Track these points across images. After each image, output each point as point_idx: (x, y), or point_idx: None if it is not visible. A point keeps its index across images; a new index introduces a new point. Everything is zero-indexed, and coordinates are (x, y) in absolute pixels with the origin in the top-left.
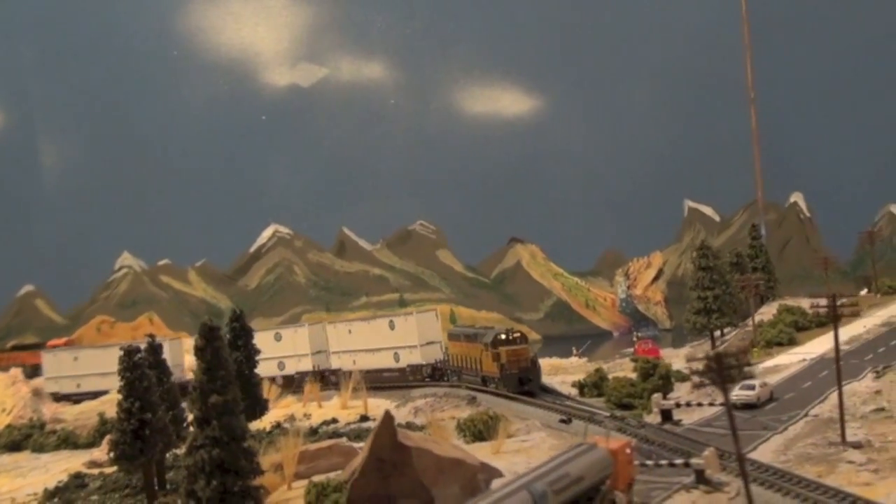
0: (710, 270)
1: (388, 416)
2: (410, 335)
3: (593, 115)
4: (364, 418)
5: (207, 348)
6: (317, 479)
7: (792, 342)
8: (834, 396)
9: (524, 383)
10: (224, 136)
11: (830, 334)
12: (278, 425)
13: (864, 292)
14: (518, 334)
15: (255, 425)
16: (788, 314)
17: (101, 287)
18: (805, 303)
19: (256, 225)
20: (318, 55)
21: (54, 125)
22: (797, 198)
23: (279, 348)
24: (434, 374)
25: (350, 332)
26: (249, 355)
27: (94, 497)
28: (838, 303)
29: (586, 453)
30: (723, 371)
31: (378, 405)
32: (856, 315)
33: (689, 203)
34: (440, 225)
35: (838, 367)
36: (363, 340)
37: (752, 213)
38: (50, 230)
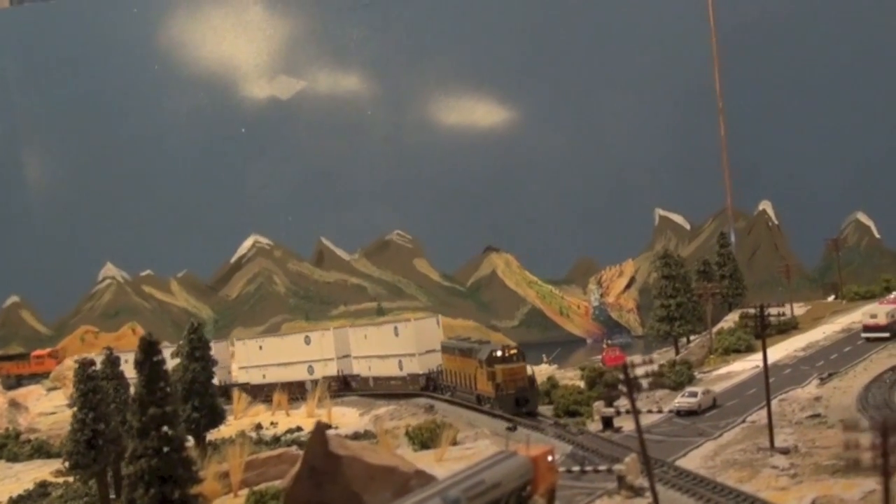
0: (673, 279)
1: (319, 427)
2: (409, 343)
3: (566, 126)
4: (326, 426)
5: (146, 362)
6: (257, 487)
7: (749, 349)
8: (774, 403)
9: (521, 404)
10: (205, 148)
11: (789, 341)
12: (243, 434)
13: (831, 298)
14: (515, 351)
15: (220, 433)
16: (750, 321)
17: (85, 298)
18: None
19: (237, 235)
20: (297, 68)
21: (38, 138)
22: (766, 206)
23: (309, 352)
24: (428, 386)
25: (366, 337)
26: (206, 367)
27: None
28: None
29: (505, 461)
30: (630, 380)
31: (343, 413)
32: (788, 326)
33: (660, 211)
34: (417, 234)
35: (766, 375)
36: (375, 346)
37: (722, 221)
38: (35, 242)
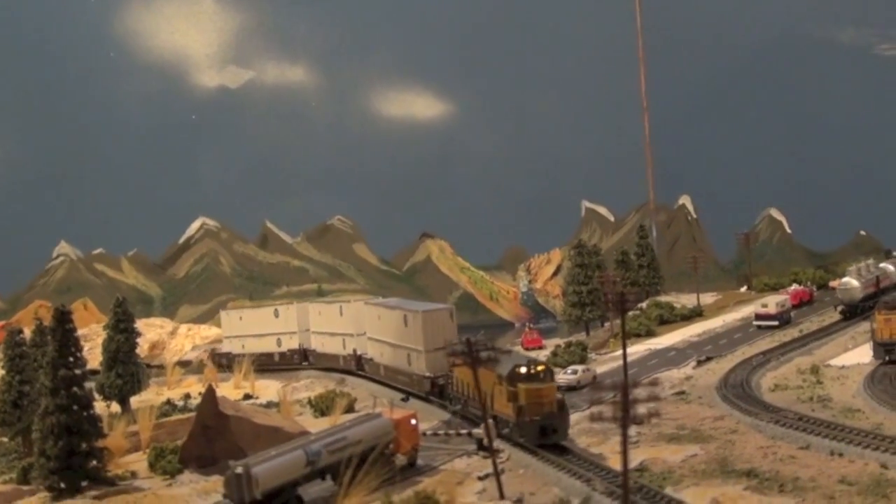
0: (585, 267)
1: (210, 390)
2: (416, 337)
3: (499, 120)
4: (247, 396)
5: (59, 329)
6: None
7: (650, 334)
8: (647, 381)
9: (547, 434)
10: (157, 134)
11: (689, 328)
12: (169, 401)
13: (744, 289)
14: (542, 367)
15: (151, 401)
16: (656, 308)
17: (39, 274)
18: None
19: (186, 217)
20: (246, 59)
21: None
22: (685, 200)
23: (339, 325)
24: (433, 391)
25: (379, 318)
26: (129, 338)
27: None
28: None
29: (368, 421)
30: (474, 354)
31: (267, 385)
32: (693, 314)
33: (587, 204)
34: (356, 220)
35: (624, 352)
36: (387, 331)
37: (644, 214)
38: None
